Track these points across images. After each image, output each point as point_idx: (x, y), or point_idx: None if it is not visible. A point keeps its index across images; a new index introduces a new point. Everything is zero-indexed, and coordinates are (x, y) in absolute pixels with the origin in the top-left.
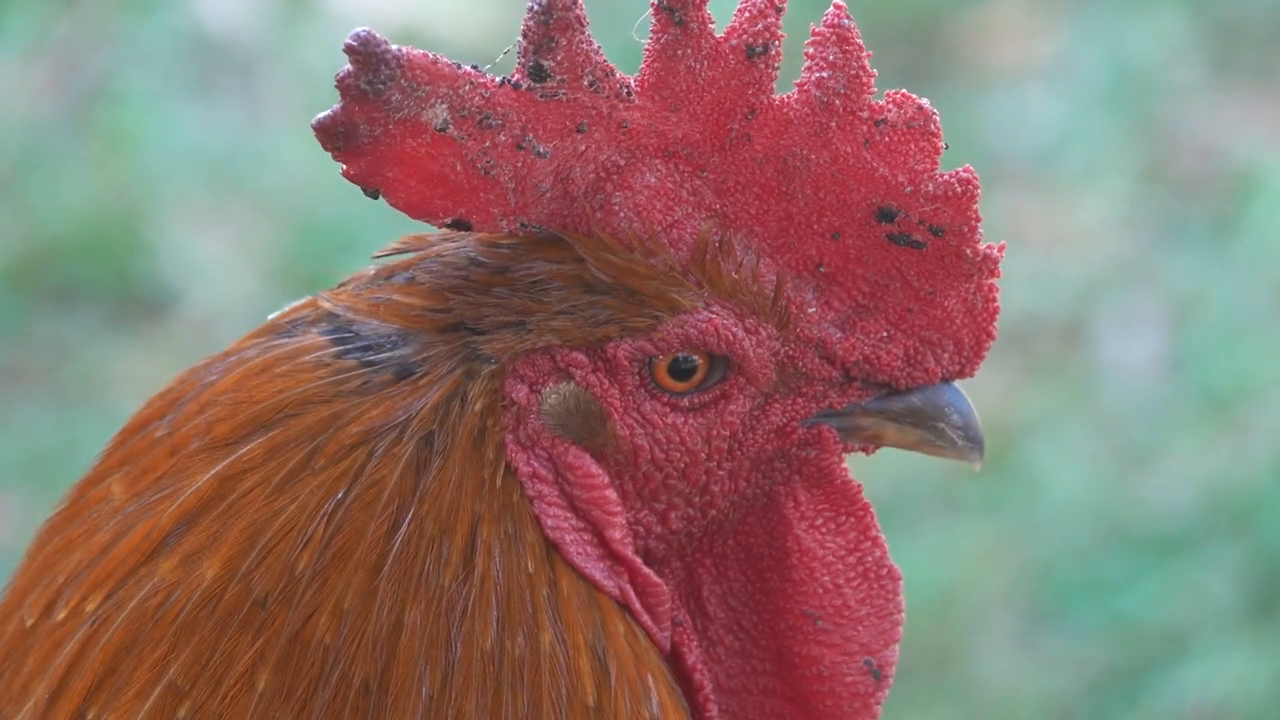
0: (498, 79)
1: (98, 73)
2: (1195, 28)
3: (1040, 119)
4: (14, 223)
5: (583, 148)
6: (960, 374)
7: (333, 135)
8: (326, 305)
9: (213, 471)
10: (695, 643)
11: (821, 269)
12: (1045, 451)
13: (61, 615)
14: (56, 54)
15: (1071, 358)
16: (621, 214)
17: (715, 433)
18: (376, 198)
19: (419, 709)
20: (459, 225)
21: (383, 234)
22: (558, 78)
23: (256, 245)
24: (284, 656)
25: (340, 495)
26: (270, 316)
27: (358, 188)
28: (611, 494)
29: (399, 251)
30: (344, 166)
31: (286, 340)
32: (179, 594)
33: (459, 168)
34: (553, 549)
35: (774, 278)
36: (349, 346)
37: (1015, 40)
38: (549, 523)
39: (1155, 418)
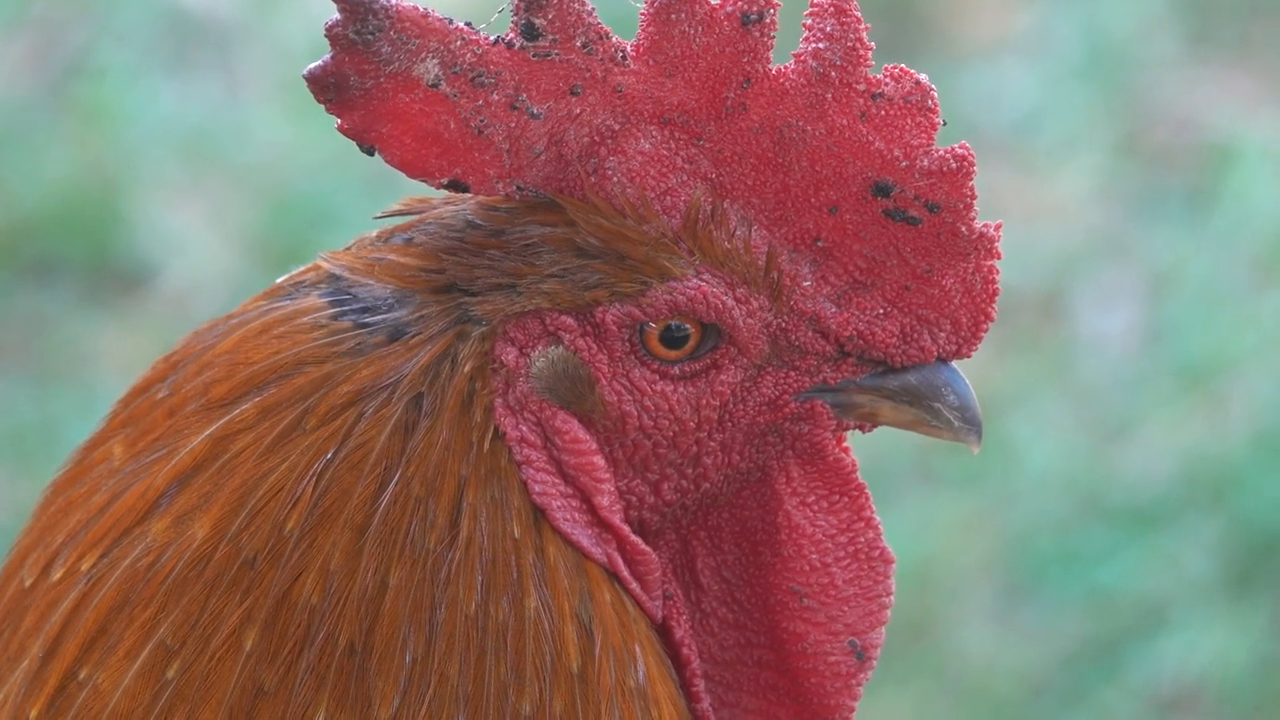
0: (491, 38)
1: (76, 48)
2: (1171, 1)
3: (1017, 92)
4: None
5: (577, 111)
6: (957, 354)
7: (323, 86)
8: (326, 266)
9: (207, 432)
10: (684, 617)
11: (819, 243)
12: (1023, 424)
13: (58, 575)
14: (35, 29)
15: (1049, 330)
16: (615, 179)
17: (705, 402)
18: (372, 154)
19: (403, 672)
20: (456, 186)
21: (359, 208)
22: (550, 37)
23: (233, 220)
24: (271, 617)
25: (329, 455)
26: (278, 280)
27: (351, 143)
28: (599, 460)
29: (401, 214)
30: (338, 121)
31: (287, 303)
32: (170, 554)
33: (453, 125)
34: (540, 515)
35: (766, 248)
36: (346, 308)
37: (992, 14)
38: (536, 488)
39: (1132, 390)
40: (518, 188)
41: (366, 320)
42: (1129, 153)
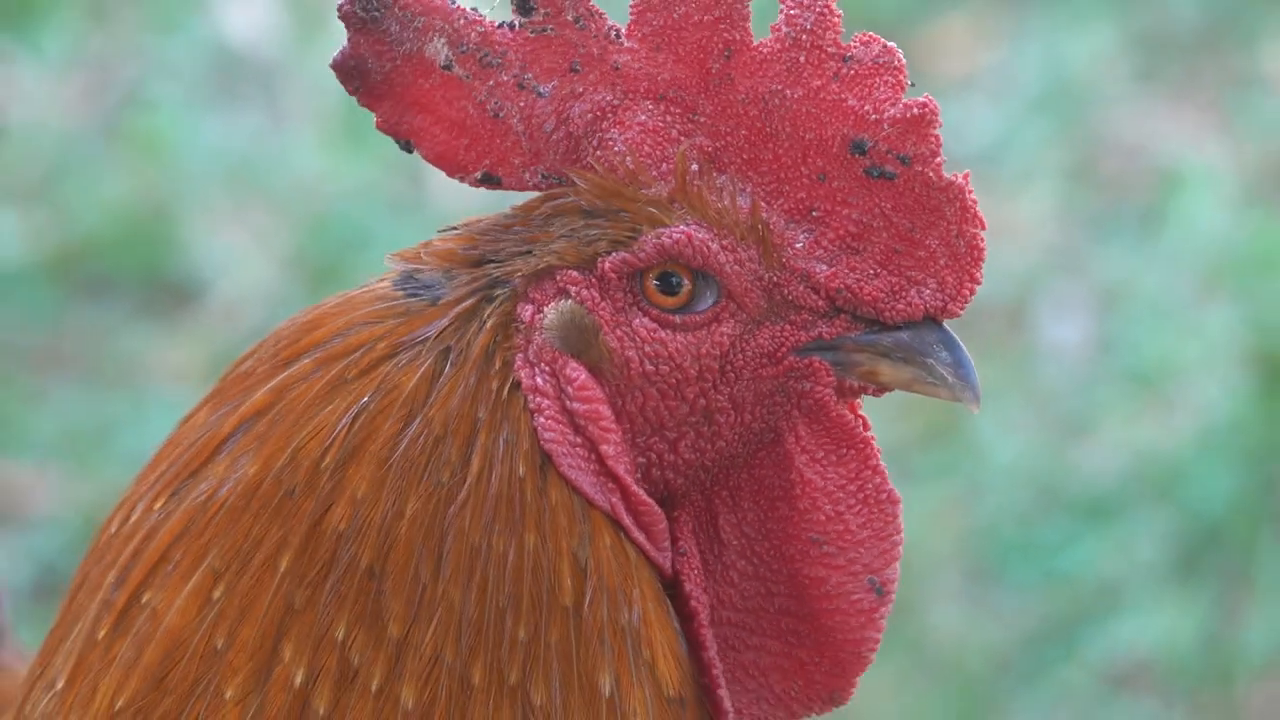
0: (496, 23)
1: (128, 83)
2: (1123, 39)
3: (982, 124)
4: (53, 220)
5: (580, 89)
6: (944, 310)
7: (347, 73)
8: (396, 263)
9: (270, 384)
10: (696, 572)
11: (814, 213)
12: (989, 424)
13: (137, 516)
14: (90, 66)
15: (1012, 339)
16: (617, 148)
17: (705, 351)
18: (411, 151)
19: (414, 594)
20: (489, 180)
21: (388, 230)
22: (541, 10)
23: (274, 240)
24: (304, 542)
25: (365, 400)
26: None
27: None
28: (606, 410)
29: (460, 226)
30: (375, 118)
31: (364, 288)
32: (225, 489)
33: (472, 111)
34: (547, 460)
35: (749, 204)
36: (408, 286)
37: (960, 53)
38: (546, 435)
39: (1087, 394)
40: (543, 175)
41: (417, 292)
42: (1084, 178)
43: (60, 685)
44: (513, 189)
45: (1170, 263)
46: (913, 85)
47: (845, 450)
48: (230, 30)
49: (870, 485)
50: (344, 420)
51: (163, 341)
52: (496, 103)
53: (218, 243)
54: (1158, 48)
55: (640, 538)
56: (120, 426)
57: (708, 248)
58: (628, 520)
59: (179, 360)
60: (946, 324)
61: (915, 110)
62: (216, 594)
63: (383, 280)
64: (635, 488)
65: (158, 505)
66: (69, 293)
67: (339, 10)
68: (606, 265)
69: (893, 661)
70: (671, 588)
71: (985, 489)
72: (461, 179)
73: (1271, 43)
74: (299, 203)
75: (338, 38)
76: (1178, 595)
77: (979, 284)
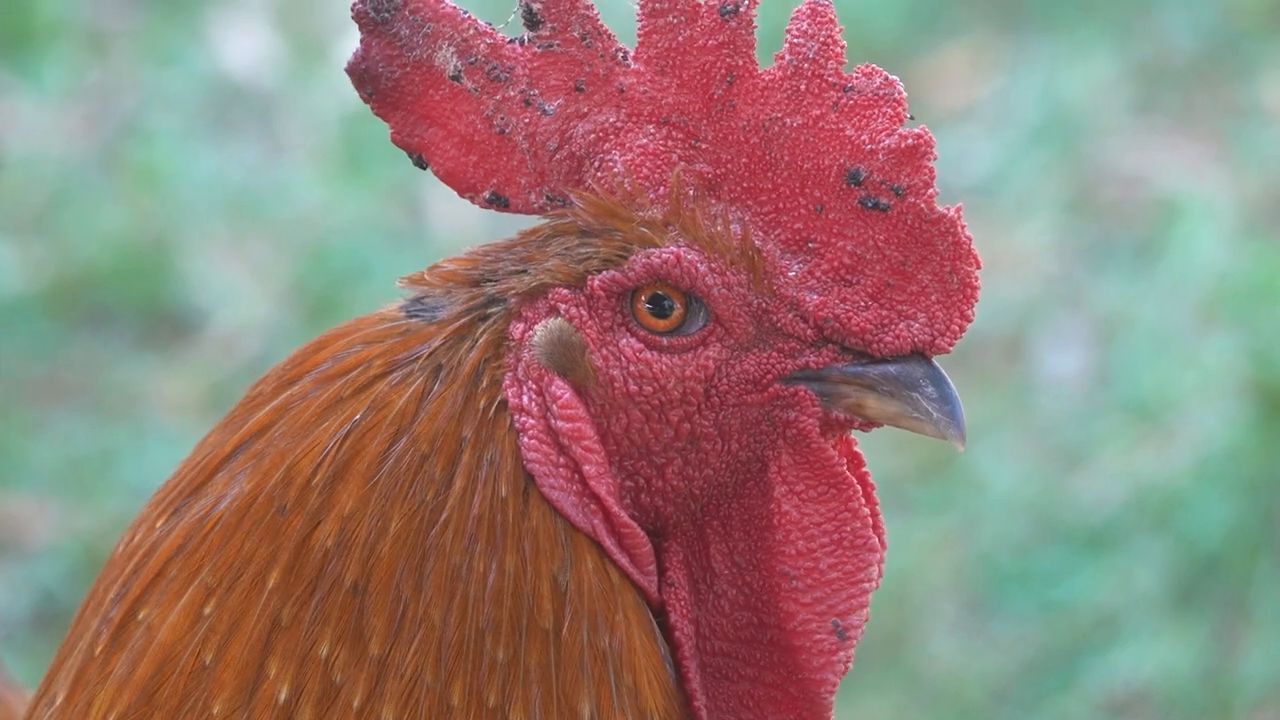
0: (507, 38)
1: (127, 114)
2: (1122, 70)
3: (980, 155)
4: (52, 251)
5: (585, 109)
6: (932, 346)
7: (360, 77)
8: (406, 287)
9: (272, 404)
10: (682, 603)
11: (811, 244)
12: (987, 455)
13: (140, 534)
14: (89, 98)
15: (1010, 371)
16: (616, 170)
17: (689, 374)
18: (424, 167)
19: (395, 613)
20: (496, 200)
21: (386, 261)
22: (548, 24)
23: (273, 271)
24: (292, 558)
25: (358, 418)
26: None
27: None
28: (589, 429)
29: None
30: (390, 130)
31: (373, 314)
32: (222, 506)
33: (479, 125)
34: (530, 481)
35: (742, 230)
36: (413, 308)
37: (959, 83)
38: (529, 455)
39: (1085, 425)
40: (548, 197)
41: (419, 313)
42: (1082, 209)
43: (60, 700)
44: (520, 212)
45: (1168, 293)
46: (912, 118)
47: (826, 489)
48: (228, 62)
49: (847, 528)
50: (336, 438)
51: (162, 372)
52: (503, 118)
53: (216, 274)
54: (1156, 78)
55: (623, 560)
56: (119, 457)
57: (696, 269)
58: (609, 542)
59: (178, 391)
60: (938, 360)
61: (910, 141)
62: (207, 610)
63: (394, 305)
64: (617, 509)
65: (159, 523)
66: (68, 324)
67: (352, 10)
68: (596, 283)
69: (891, 691)
70: (660, 617)
71: (983, 519)
72: (471, 199)
73: (1269, 74)
74: (297, 234)
75: (336, 70)
76: (1176, 625)
77: (970, 321)
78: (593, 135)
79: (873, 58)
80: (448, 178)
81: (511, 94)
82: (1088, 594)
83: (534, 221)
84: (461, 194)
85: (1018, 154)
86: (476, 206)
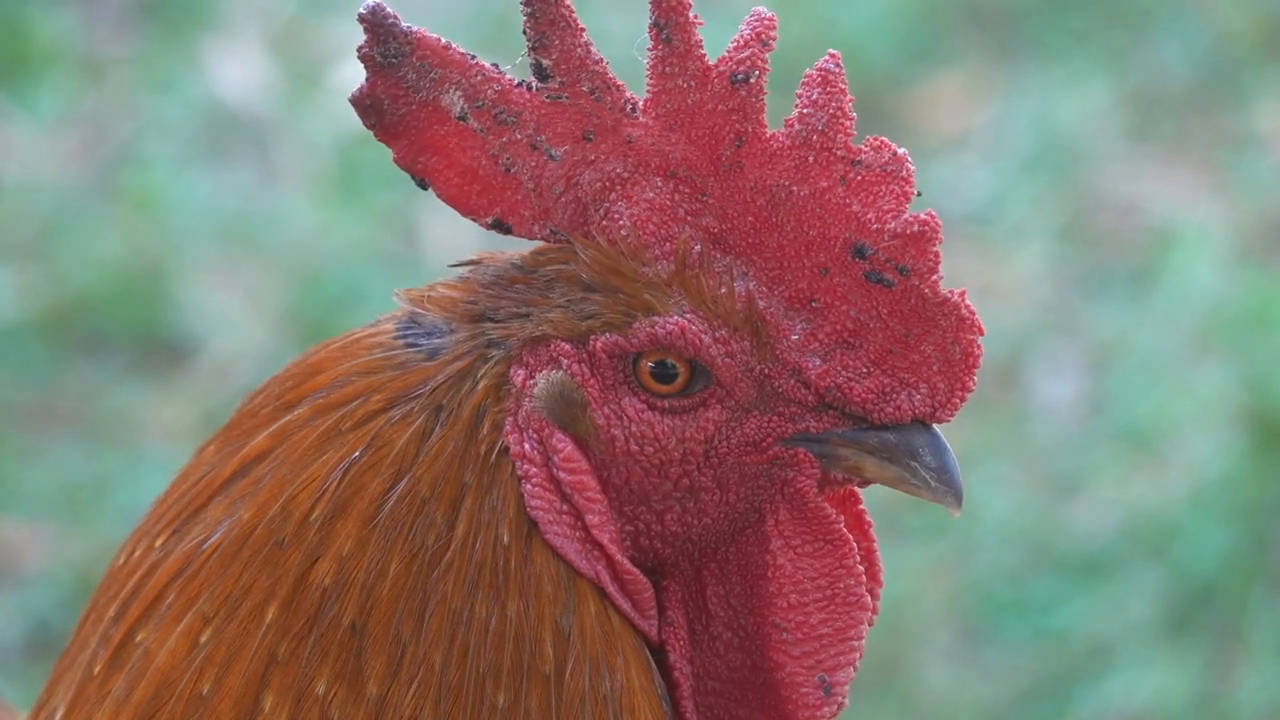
0: (515, 81)
1: (122, 141)
2: (1116, 98)
3: (975, 182)
4: (47, 277)
5: (591, 157)
6: (933, 416)
7: (364, 110)
8: (400, 302)
9: (271, 429)
10: (681, 642)
11: (814, 304)
12: (981, 482)
13: (140, 552)
14: (84, 124)
15: (1004, 398)
16: (621, 223)
17: (690, 435)
18: (426, 189)
19: (396, 655)
20: (499, 226)
21: (381, 287)
22: (557, 79)
23: (268, 297)
24: (290, 594)
25: (357, 454)
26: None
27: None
28: (592, 481)
29: (472, 263)
30: (393, 154)
31: (368, 330)
32: (220, 533)
33: (484, 162)
34: (533, 527)
35: (746, 294)
36: (408, 334)
37: (954, 111)
38: (532, 501)
39: (1080, 452)
40: (551, 231)
41: (417, 341)
42: (1076, 237)
43: (59, 715)
44: (523, 238)
45: (1163, 321)
46: (919, 195)
47: (822, 545)
48: (223, 88)
49: (840, 585)
50: (335, 474)
51: (156, 399)
52: (509, 159)
53: (211, 300)
54: (1150, 106)
55: (625, 606)
56: (114, 483)
57: (700, 340)
58: (612, 588)
59: (173, 417)
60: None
61: (916, 226)
62: (204, 638)
63: (389, 320)
64: (620, 556)
65: (159, 543)
66: (62, 350)
67: (358, 53)
68: (599, 345)
69: (886, 718)
70: (660, 655)
71: (977, 547)
72: (474, 221)
73: (1263, 102)
74: (292, 260)
75: (331, 97)
76: (1170, 653)
77: (970, 392)
78: (599, 184)
79: (868, 85)
80: (451, 201)
81: (518, 137)
82: (1082, 622)
83: (535, 242)
84: (464, 215)
85: (1012, 181)
86: (477, 228)
